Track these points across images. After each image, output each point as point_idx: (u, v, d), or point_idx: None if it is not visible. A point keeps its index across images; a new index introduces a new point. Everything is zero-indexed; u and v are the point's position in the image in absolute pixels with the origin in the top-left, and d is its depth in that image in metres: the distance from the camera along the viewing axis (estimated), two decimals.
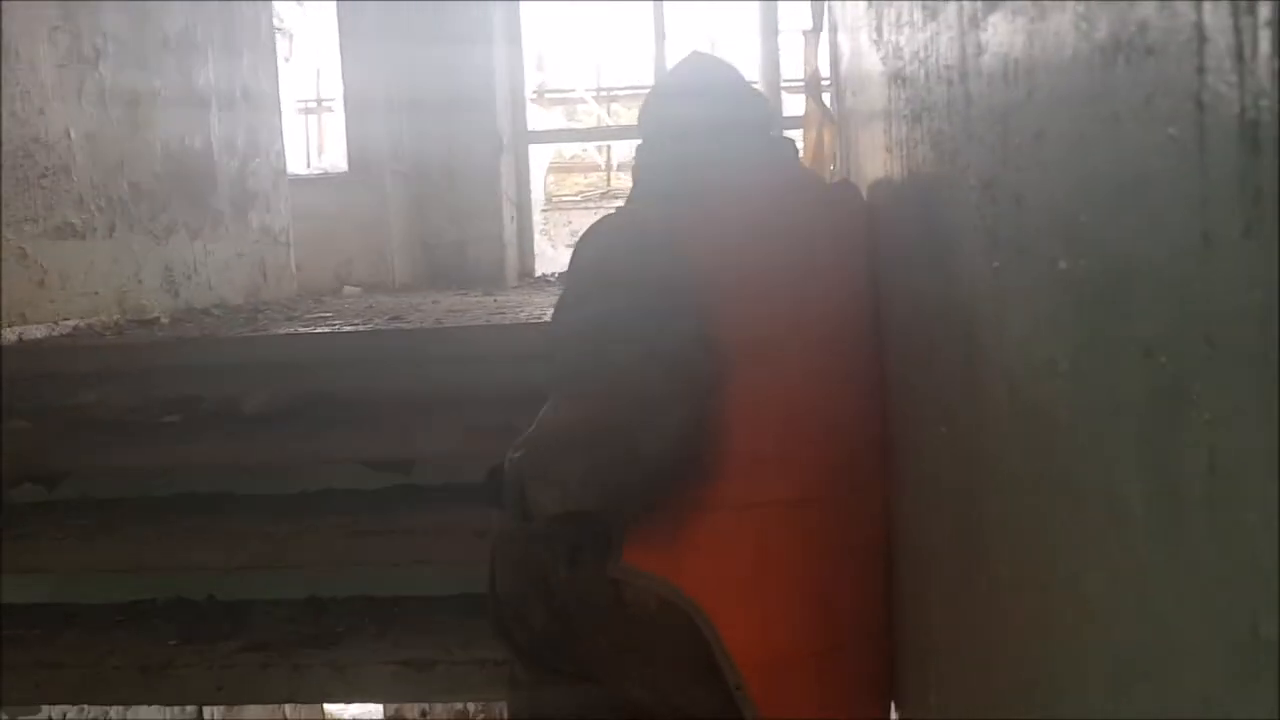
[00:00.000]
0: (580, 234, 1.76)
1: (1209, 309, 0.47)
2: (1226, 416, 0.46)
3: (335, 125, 8.47)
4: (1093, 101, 0.58)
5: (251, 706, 4.51)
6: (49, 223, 3.20)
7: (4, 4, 2.95)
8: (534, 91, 8.56)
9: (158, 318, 3.65)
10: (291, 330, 3.31)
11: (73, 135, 3.33)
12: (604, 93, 13.87)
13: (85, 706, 3.08)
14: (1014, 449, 0.81)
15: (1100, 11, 0.56)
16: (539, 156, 7.38)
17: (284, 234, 5.03)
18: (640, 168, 1.87)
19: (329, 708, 7.34)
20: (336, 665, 2.24)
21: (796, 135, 4.12)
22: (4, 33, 2.98)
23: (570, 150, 14.25)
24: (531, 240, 6.84)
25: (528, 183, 6.75)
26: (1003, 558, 0.87)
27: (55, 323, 3.19)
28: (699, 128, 1.80)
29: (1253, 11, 0.41)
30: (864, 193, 1.90)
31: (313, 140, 11.78)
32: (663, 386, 1.50)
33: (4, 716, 2.65)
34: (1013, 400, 0.80)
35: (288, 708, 4.96)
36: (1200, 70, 0.45)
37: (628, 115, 12.78)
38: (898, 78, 1.38)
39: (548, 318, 2.79)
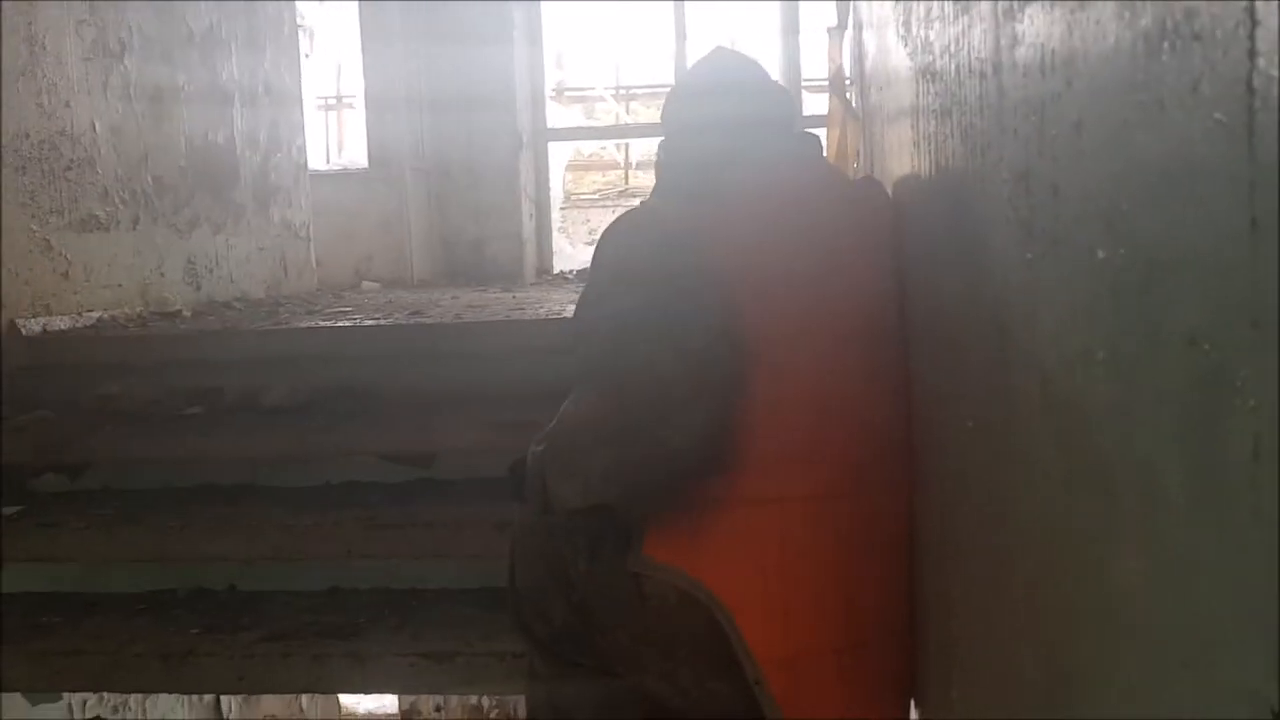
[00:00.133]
0: (599, 232, 1.76)
1: (1255, 295, 0.47)
2: (1271, 402, 0.46)
3: (355, 123, 8.51)
4: (1135, 89, 0.58)
5: (268, 699, 4.53)
6: (74, 215, 3.22)
7: None
8: (553, 89, 8.57)
9: (180, 310, 3.68)
10: (312, 324, 3.33)
11: (98, 128, 3.35)
12: (623, 91, 13.88)
13: (105, 695, 3.09)
14: (1045, 441, 0.81)
15: None
16: (557, 154, 7.38)
17: (305, 229, 5.06)
18: (663, 164, 1.87)
19: (345, 702, 7.37)
20: (356, 656, 2.25)
21: (818, 134, 4.10)
22: (32, 26, 3.00)
23: (588, 148, 14.26)
24: (550, 238, 6.85)
25: (546, 180, 6.76)
26: (1032, 551, 0.87)
27: (79, 314, 3.22)
28: (722, 124, 1.80)
29: None
30: (889, 190, 1.89)
31: (332, 137, 11.83)
32: (686, 382, 1.50)
33: (26, 702, 2.68)
34: (1045, 392, 0.80)
35: (304, 700, 4.98)
36: (1251, 54, 0.45)
37: (646, 113, 12.79)
38: (926, 73, 1.37)
39: (567, 314, 2.81)
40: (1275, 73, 0.43)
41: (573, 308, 1.78)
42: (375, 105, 6.08)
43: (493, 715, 7.30)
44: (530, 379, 2.60)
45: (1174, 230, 0.55)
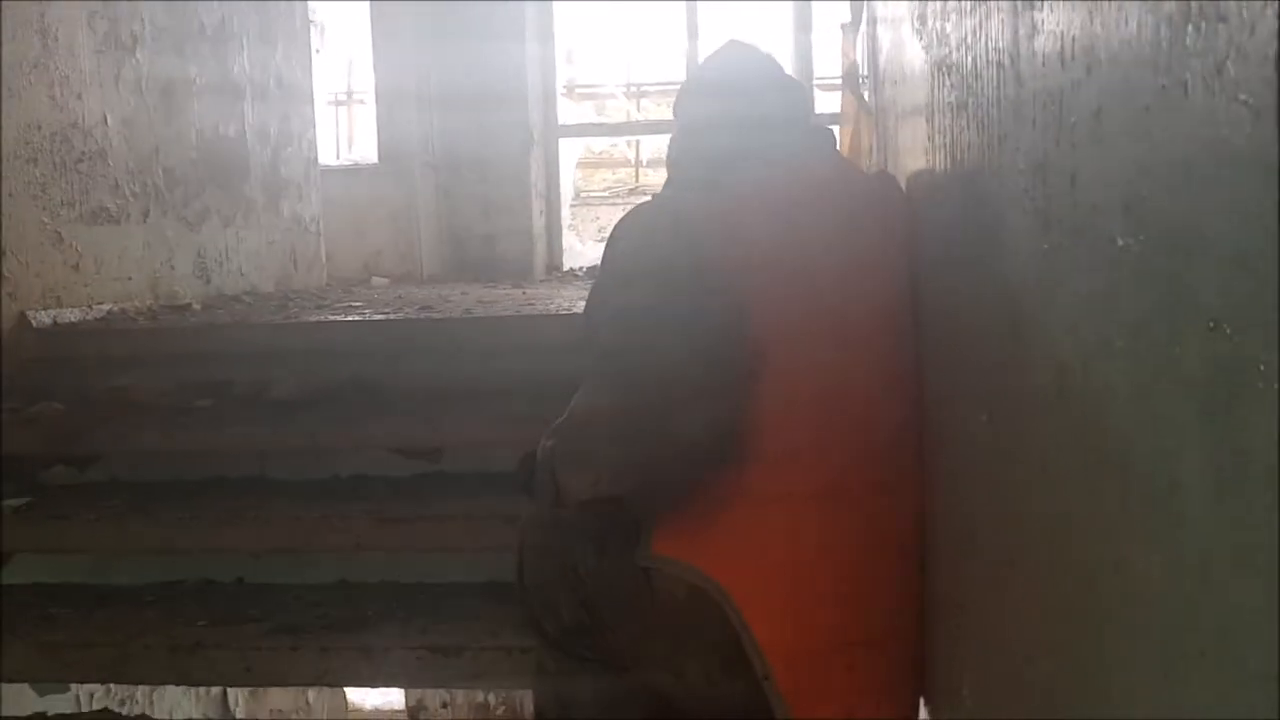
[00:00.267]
0: (609, 229, 1.75)
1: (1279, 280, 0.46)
2: None
3: (365, 118, 8.51)
4: (1158, 73, 0.57)
5: (275, 694, 4.54)
6: (85, 207, 3.23)
7: None
8: (563, 86, 8.56)
9: (189, 303, 3.68)
10: (322, 318, 3.33)
11: (109, 121, 3.36)
12: (634, 88, 13.86)
13: (112, 688, 3.10)
14: (1061, 431, 0.80)
15: None
16: (568, 151, 7.38)
17: (314, 223, 5.06)
18: (675, 160, 1.86)
19: (352, 698, 7.38)
20: (364, 649, 2.24)
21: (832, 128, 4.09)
22: (45, 18, 3.01)
23: (599, 145, 14.24)
24: (560, 234, 6.84)
25: (557, 177, 6.75)
26: (1046, 545, 0.87)
27: (89, 306, 3.22)
28: (735, 119, 1.79)
29: None
30: (903, 184, 1.88)
31: (343, 133, 11.85)
32: (697, 376, 1.49)
33: (34, 694, 2.68)
34: (1061, 384, 0.79)
35: (311, 696, 4.98)
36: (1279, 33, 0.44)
37: (657, 111, 12.76)
38: (942, 65, 1.37)
39: (577, 310, 2.80)
40: None
41: (582, 304, 1.77)
42: (386, 101, 6.08)
43: (499, 712, 7.30)
44: (539, 374, 2.59)
45: (1196, 216, 0.54)
